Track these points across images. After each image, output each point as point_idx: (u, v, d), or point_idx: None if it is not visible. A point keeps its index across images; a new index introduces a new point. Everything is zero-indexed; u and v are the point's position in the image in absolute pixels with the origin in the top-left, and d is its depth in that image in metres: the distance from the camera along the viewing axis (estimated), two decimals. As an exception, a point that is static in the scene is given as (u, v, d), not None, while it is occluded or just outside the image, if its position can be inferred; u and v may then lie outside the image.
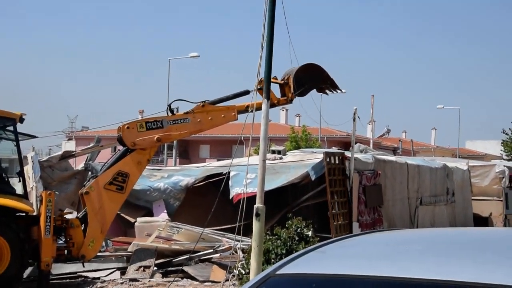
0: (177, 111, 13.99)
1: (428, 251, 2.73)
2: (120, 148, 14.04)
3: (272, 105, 14.57)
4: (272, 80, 13.39)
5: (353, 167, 15.22)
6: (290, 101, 14.07)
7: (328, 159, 14.99)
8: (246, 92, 14.47)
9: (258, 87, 12.76)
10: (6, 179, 13.19)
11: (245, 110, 12.45)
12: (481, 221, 20.18)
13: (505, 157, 46.69)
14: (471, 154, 59.06)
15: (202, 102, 13.46)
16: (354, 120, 16.49)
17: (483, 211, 20.77)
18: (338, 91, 14.67)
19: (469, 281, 2.19)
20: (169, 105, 13.93)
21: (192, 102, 13.83)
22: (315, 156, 16.41)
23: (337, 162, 15.23)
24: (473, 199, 20.86)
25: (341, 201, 14.93)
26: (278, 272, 2.58)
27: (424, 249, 2.80)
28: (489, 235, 3.65)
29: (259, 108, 13.01)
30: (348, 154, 15.79)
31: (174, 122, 13.77)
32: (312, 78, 14.21)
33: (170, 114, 13.84)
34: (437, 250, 2.76)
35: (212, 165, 19.43)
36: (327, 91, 14.51)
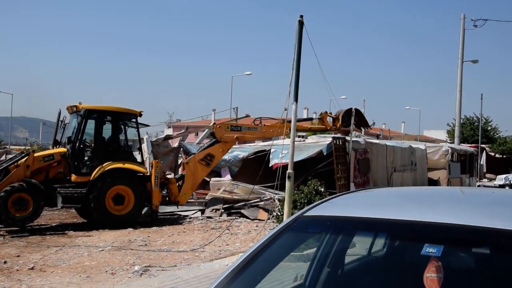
0: (234, 118, 14.14)
1: (401, 201, 2.64)
2: (201, 134, 14.23)
3: (325, 130, 15.01)
4: (328, 114, 14.17)
5: (351, 146, 15.10)
6: (337, 130, 14.54)
7: (335, 141, 14.94)
8: (310, 119, 15.93)
9: (319, 117, 13.50)
10: (131, 152, 13.50)
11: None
12: (433, 182, 20.04)
13: (448, 141, 45.73)
14: (427, 139, 57.81)
15: (283, 120, 12.04)
16: (352, 116, 16.39)
17: (434, 176, 20.58)
18: (368, 128, 15.14)
19: (428, 221, 2.10)
20: (256, 119, 14.17)
21: (274, 119, 13.91)
22: (326, 140, 16.36)
23: (340, 143, 15.13)
24: (428, 168, 20.65)
25: (342, 169, 14.84)
26: (304, 214, 2.50)
27: (398, 200, 2.70)
28: (440, 191, 3.61)
29: (303, 130, 14.44)
30: (348, 138, 15.71)
31: (248, 128, 14.01)
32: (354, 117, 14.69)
33: (254, 123, 14.03)
34: (407, 200, 2.67)
35: (259, 145, 19.41)
36: (361, 128, 14.92)
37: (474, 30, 29.27)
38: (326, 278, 2.66)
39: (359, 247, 3.21)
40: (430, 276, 2.02)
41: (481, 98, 44.03)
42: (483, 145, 40.55)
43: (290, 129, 11.24)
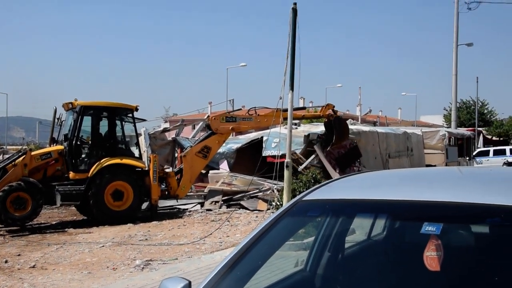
0: (230, 110, 14.11)
1: (400, 182, 2.61)
2: (196, 127, 14.20)
3: (319, 117, 15.31)
4: (333, 108, 14.67)
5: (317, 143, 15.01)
6: (324, 117, 14.93)
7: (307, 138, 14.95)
8: (304, 108, 16.91)
9: (324, 105, 14.66)
10: (129, 148, 13.47)
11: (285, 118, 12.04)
12: (431, 167, 20.28)
13: (445, 126, 45.85)
14: (424, 124, 57.95)
15: (277, 109, 12.18)
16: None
17: (431, 161, 20.74)
18: (328, 147, 14.75)
19: (426, 200, 2.10)
20: (250, 109, 14.19)
21: (269, 108, 13.92)
22: (318, 128, 16.51)
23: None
24: (425, 153, 20.77)
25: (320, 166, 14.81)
26: (303, 199, 2.48)
27: (397, 181, 2.67)
28: (438, 171, 3.57)
29: (297, 118, 15.06)
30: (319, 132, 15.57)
31: (243, 119, 13.99)
32: (339, 127, 14.61)
33: (248, 113, 13.99)
34: (405, 181, 2.64)
35: (252, 135, 19.30)
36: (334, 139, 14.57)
37: (468, 13, 29.26)
38: (327, 262, 2.66)
39: (359, 233, 3.21)
40: (430, 254, 2.02)
41: (477, 82, 44.11)
42: (480, 129, 40.71)
43: (284, 118, 11.29)
